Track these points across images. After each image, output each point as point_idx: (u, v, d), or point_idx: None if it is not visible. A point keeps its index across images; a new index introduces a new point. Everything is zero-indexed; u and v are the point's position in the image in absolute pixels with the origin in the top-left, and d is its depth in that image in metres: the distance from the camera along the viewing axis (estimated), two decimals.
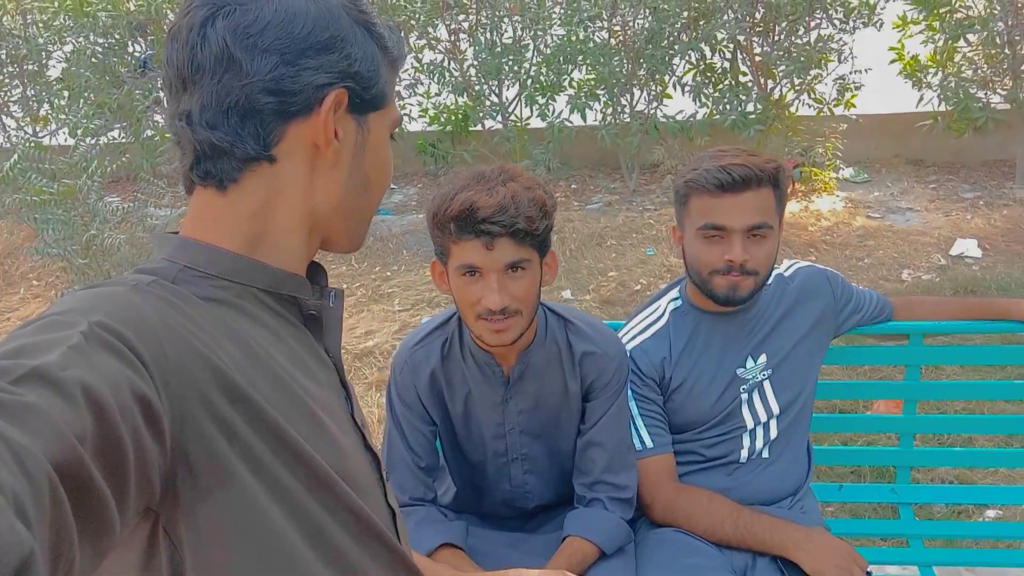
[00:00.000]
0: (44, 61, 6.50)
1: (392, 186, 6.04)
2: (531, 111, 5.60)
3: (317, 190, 0.77)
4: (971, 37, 5.11)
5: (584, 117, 5.43)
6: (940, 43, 5.17)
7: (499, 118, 5.79)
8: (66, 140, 5.78)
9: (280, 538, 0.67)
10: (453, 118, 6.07)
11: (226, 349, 0.67)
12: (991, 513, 2.41)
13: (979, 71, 5.22)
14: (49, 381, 0.50)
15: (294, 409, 0.71)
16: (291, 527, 0.68)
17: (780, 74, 5.16)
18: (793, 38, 5.15)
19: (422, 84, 5.99)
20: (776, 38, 5.21)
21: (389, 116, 0.82)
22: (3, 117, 6.78)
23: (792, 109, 5.28)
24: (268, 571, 0.67)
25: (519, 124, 5.76)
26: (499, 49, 5.55)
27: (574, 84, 5.58)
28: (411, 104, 6.03)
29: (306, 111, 0.73)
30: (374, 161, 0.81)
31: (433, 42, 5.78)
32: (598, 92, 5.44)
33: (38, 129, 6.52)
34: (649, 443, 1.59)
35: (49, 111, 6.44)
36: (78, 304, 0.60)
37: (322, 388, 0.78)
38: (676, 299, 1.67)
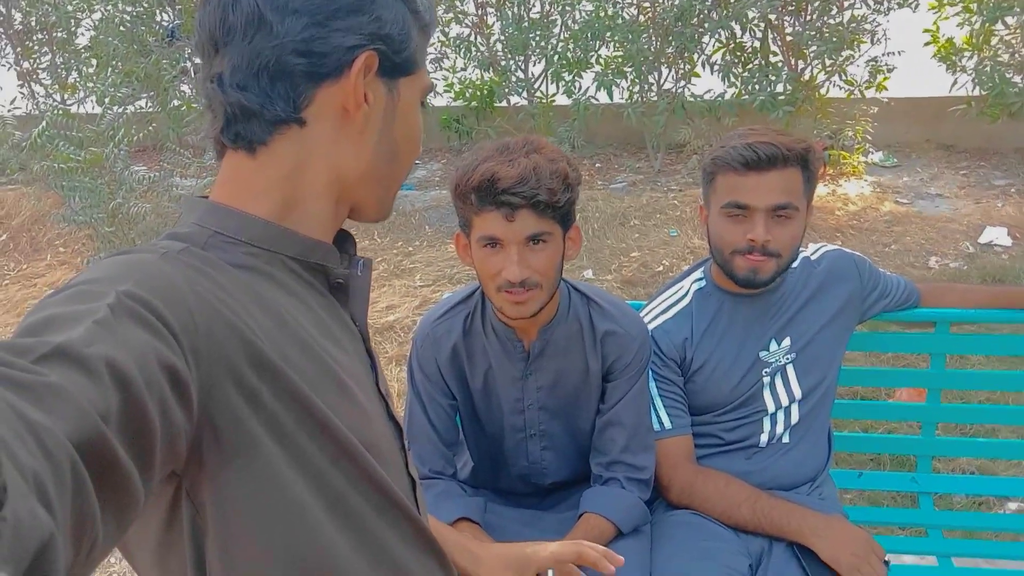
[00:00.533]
0: (73, 28, 6.54)
1: (415, 161, 6.04)
2: (557, 88, 5.56)
3: (346, 155, 0.76)
4: (1009, 20, 4.98)
5: (610, 95, 5.37)
6: (977, 26, 5.05)
7: (524, 94, 5.75)
8: (94, 108, 5.83)
9: (301, 507, 0.68)
10: (478, 93, 6.04)
11: (256, 317, 0.67)
12: (1013, 505, 2.39)
13: (1016, 55, 5.10)
14: (73, 359, 0.49)
15: (323, 378, 0.71)
16: (312, 496, 0.68)
17: (811, 55, 5.06)
18: (826, 18, 5.04)
19: (448, 58, 5.96)
20: (808, 18, 5.11)
21: (420, 82, 0.81)
22: (32, 84, 6.84)
23: (822, 91, 5.18)
24: (287, 538, 0.67)
25: (544, 101, 5.71)
26: (526, 24, 5.49)
27: (601, 61, 5.51)
28: (436, 78, 6.00)
29: (336, 73, 0.72)
30: (404, 128, 0.80)
31: (460, 16, 5.74)
32: (625, 70, 5.37)
33: (66, 97, 6.58)
34: (668, 424, 1.58)
35: (77, 79, 6.49)
36: (108, 272, 0.60)
37: (349, 356, 0.78)
38: (700, 280, 1.65)
